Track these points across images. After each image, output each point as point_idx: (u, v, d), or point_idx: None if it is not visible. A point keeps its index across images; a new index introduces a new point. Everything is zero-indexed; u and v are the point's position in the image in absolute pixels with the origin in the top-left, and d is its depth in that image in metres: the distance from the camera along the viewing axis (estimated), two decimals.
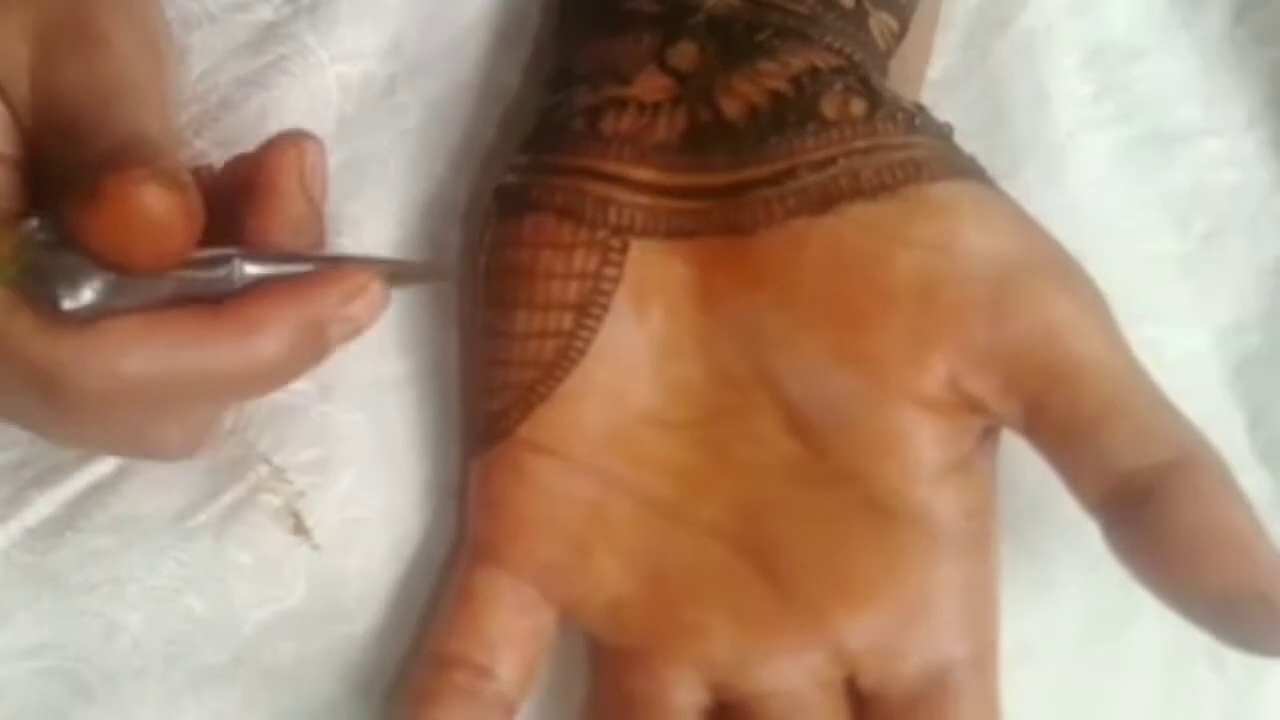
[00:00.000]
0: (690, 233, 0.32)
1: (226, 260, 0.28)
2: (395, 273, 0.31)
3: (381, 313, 0.30)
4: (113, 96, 0.28)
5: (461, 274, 0.35)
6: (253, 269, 0.28)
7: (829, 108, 0.31)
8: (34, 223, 0.26)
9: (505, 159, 0.35)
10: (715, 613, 0.32)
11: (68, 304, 0.26)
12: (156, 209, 0.25)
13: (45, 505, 0.33)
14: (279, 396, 0.33)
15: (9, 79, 0.29)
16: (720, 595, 0.32)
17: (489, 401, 0.33)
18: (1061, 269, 0.31)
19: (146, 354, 0.26)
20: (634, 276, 0.32)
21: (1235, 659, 0.35)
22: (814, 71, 0.32)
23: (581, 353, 0.32)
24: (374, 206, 0.35)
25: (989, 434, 0.31)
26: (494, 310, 0.33)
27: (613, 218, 0.32)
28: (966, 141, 0.33)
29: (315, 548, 0.33)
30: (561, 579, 0.32)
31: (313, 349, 0.29)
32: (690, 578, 0.32)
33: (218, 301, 0.28)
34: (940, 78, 0.38)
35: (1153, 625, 0.35)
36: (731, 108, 0.32)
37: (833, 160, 0.31)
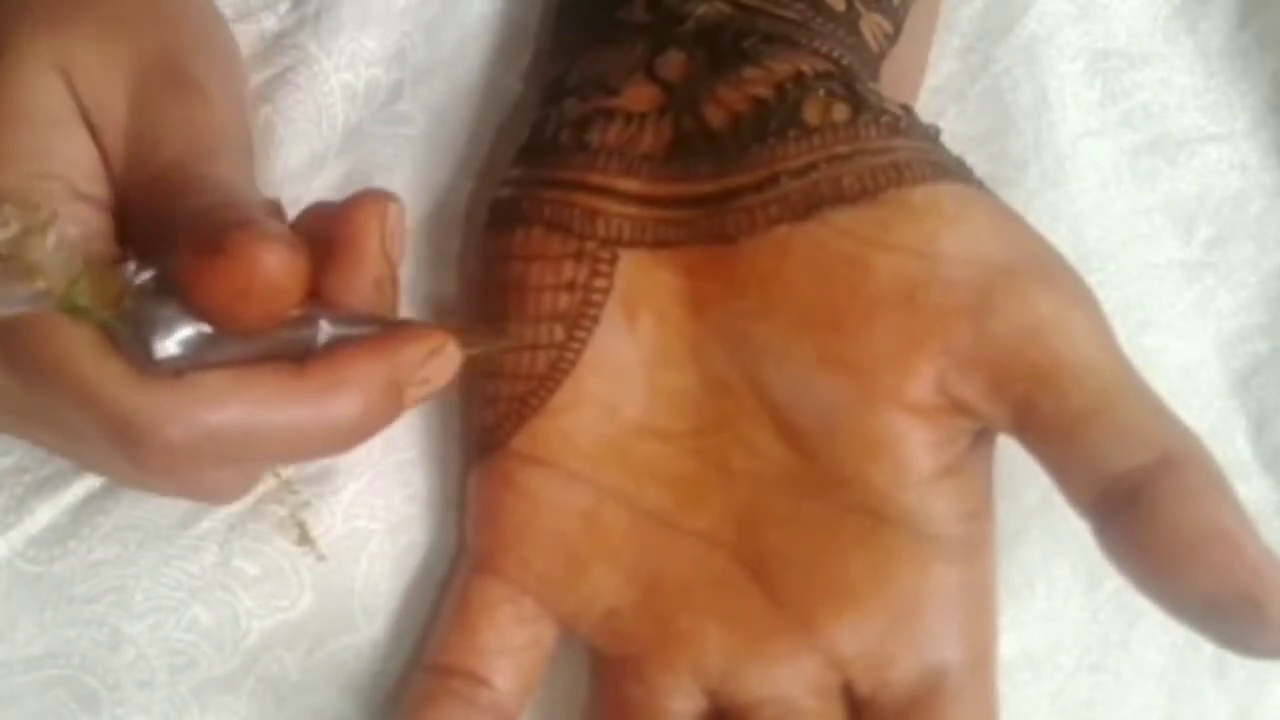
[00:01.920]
0: (677, 242, 0.32)
1: (312, 320, 0.27)
2: (462, 339, 0.31)
3: (454, 373, 0.30)
4: (211, 150, 0.28)
5: (462, 284, 0.35)
6: (335, 330, 0.28)
7: (811, 113, 0.31)
8: (131, 267, 0.26)
9: (504, 168, 0.35)
10: (709, 620, 0.32)
11: (160, 353, 0.25)
12: (278, 271, 0.25)
13: (47, 513, 0.33)
14: None
15: (106, 124, 0.28)
16: (714, 602, 0.32)
17: (484, 414, 0.33)
18: (1047, 268, 0.30)
19: (233, 410, 0.26)
20: (624, 287, 0.32)
21: (1238, 668, 0.35)
22: (798, 77, 0.32)
23: (573, 364, 0.32)
24: None
25: (982, 437, 0.31)
26: (488, 323, 0.33)
27: (601, 229, 0.32)
28: (969, 148, 0.33)
29: (321, 558, 0.33)
30: (557, 589, 0.32)
31: (391, 408, 0.29)
32: (684, 586, 0.32)
33: (300, 360, 0.27)
34: (943, 84, 0.38)
35: (1155, 634, 0.35)
36: (716, 116, 0.32)
37: (814, 166, 0.31)
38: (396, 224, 0.29)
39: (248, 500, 0.33)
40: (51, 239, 0.24)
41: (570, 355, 0.32)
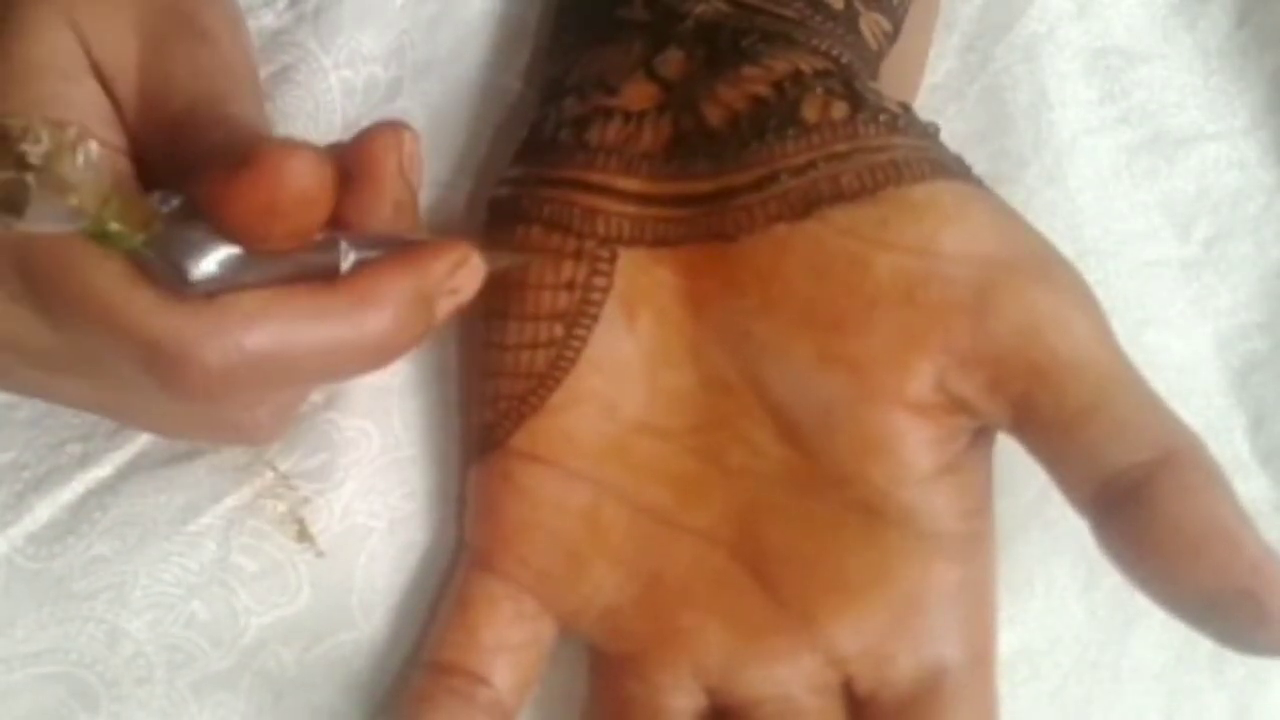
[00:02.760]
0: (677, 241, 0.32)
1: (334, 243, 0.27)
2: (485, 254, 0.30)
3: (480, 283, 0.30)
4: (226, 92, 0.28)
5: None
6: (358, 252, 0.28)
7: (810, 111, 0.31)
8: (158, 195, 0.25)
9: (503, 166, 0.35)
10: (709, 618, 0.32)
11: (193, 275, 0.25)
12: (306, 180, 0.25)
13: (46, 509, 0.33)
14: None
15: (117, 73, 0.28)
16: (714, 600, 0.32)
17: (484, 412, 0.33)
18: (1046, 266, 0.30)
19: (270, 329, 0.26)
20: (623, 286, 0.32)
21: (1237, 666, 0.35)
22: (797, 75, 0.32)
23: (572, 362, 0.32)
24: None
25: (981, 435, 0.31)
26: (487, 321, 0.33)
27: (600, 228, 0.32)
28: (969, 146, 0.33)
29: (319, 554, 0.33)
30: (556, 587, 0.32)
31: (422, 320, 0.29)
32: (684, 583, 0.32)
33: (330, 278, 0.27)
34: (942, 82, 0.38)
35: (1154, 632, 0.35)
36: (714, 114, 0.32)
37: (813, 164, 0.31)
38: (413, 150, 0.29)
39: (246, 496, 0.33)
40: (81, 157, 0.24)
41: (570, 354, 0.32)
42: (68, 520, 0.33)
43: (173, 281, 0.25)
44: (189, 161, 0.26)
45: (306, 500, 0.33)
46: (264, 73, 0.35)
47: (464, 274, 0.29)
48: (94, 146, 0.24)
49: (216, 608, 0.33)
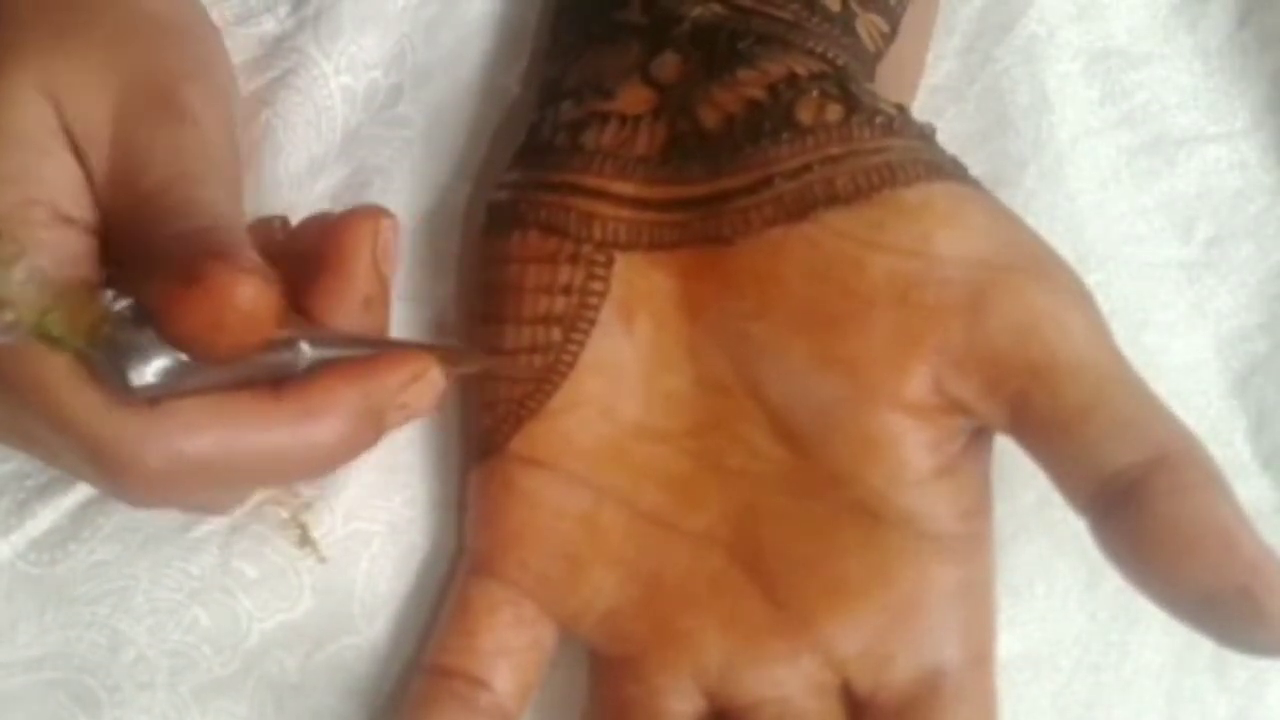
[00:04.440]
0: (673, 244, 0.32)
1: (291, 344, 0.27)
2: (448, 357, 0.31)
3: (438, 399, 0.30)
4: (197, 174, 0.28)
5: (460, 286, 0.36)
6: (315, 352, 0.28)
7: (804, 114, 0.31)
8: (109, 294, 0.26)
9: (502, 170, 0.35)
10: (708, 620, 0.32)
11: (136, 382, 0.25)
12: (251, 303, 0.25)
13: (48, 516, 0.33)
14: None
15: (90, 146, 0.29)
16: (713, 603, 0.32)
17: (482, 417, 0.33)
18: (1041, 266, 0.30)
19: (209, 437, 0.27)
20: (620, 289, 0.32)
21: (1238, 668, 0.35)
22: (792, 78, 0.32)
23: (570, 366, 0.32)
24: None
25: (979, 436, 0.31)
26: (485, 326, 0.33)
27: (597, 232, 0.32)
28: (968, 148, 0.33)
29: (321, 560, 0.34)
30: (556, 590, 0.32)
31: (370, 434, 0.29)
32: (683, 586, 0.32)
33: (278, 384, 0.28)
34: (942, 83, 0.38)
35: (1155, 634, 0.35)
36: (709, 118, 0.32)
37: (808, 167, 0.31)
38: (389, 241, 0.29)
39: (248, 502, 0.33)
40: (21, 271, 0.24)
41: (567, 358, 0.32)
42: (70, 526, 0.33)
43: (116, 385, 0.25)
44: (151, 248, 0.26)
45: (308, 506, 0.34)
46: (265, 78, 0.36)
47: (419, 388, 0.30)
48: (37, 261, 0.24)
49: (218, 613, 0.33)
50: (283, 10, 0.36)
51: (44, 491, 0.33)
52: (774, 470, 0.31)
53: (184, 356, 0.26)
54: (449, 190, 0.37)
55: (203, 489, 0.29)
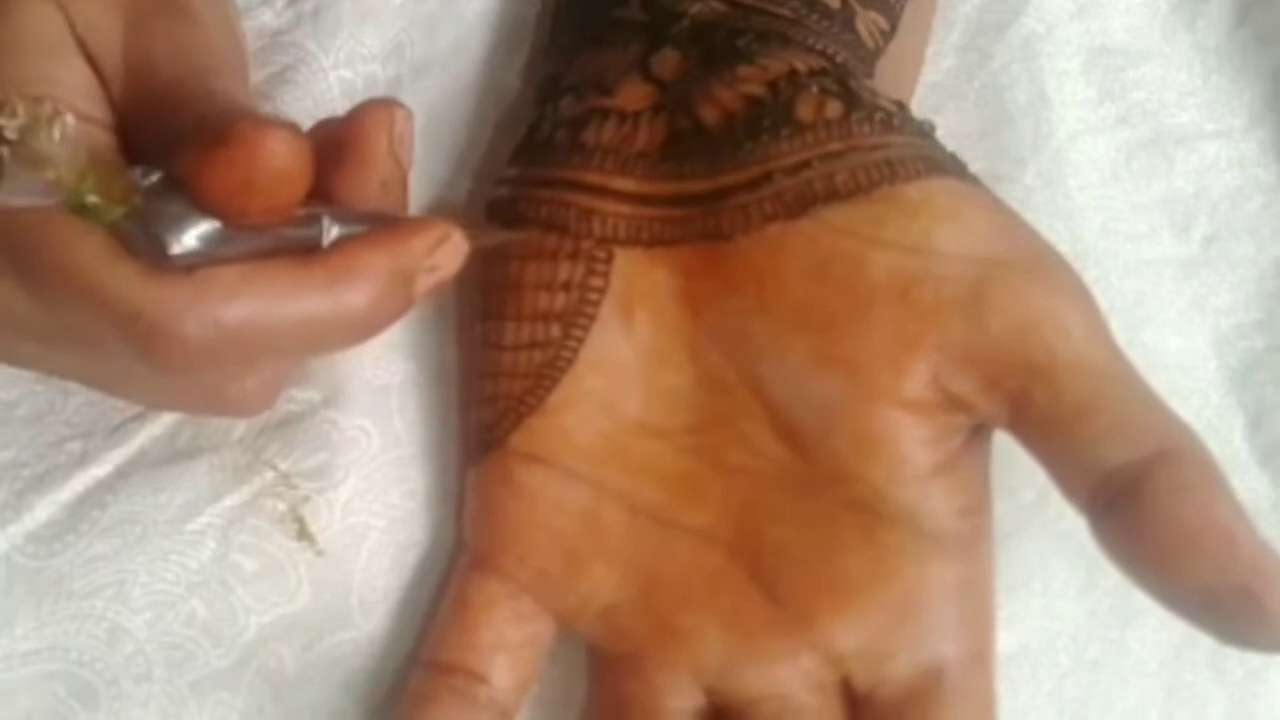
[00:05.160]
0: (673, 241, 0.32)
1: (316, 218, 0.27)
2: (470, 231, 0.31)
3: (462, 261, 0.30)
4: (207, 69, 0.29)
5: (461, 284, 0.35)
6: (341, 227, 0.28)
7: (804, 111, 0.31)
8: (138, 170, 0.26)
9: (502, 166, 0.35)
10: (707, 617, 0.32)
11: (174, 250, 0.25)
12: (283, 158, 0.25)
13: (45, 508, 0.33)
14: (284, 403, 0.34)
15: (102, 50, 0.29)
16: (712, 600, 0.32)
17: (482, 412, 0.33)
18: (1041, 263, 0.31)
19: (248, 303, 0.26)
20: (620, 286, 0.32)
21: (1236, 663, 0.35)
22: (792, 75, 0.32)
23: (570, 362, 0.32)
24: None
25: (979, 433, 0.31)
26: (485, 322, 0.33)
27: (597, 228, 0.32)
28: (967, 145, 0.33)
29: (319, 553, 0.34)
30: (555, 587, 0.32)
31: (401, 298, 0.29)
32: (682, 583, 0.32)
33: (308, 253, 0.27)
34: (941, 81, 0.38)
35: (1153, 629, 0.35)
36: (709, 114, 0.32)
37: (807, 164, 0.31)
38: (405, 129, 0.29)
39: (246, 495, 0.33)
40: (58, 131, 0.24)
41: (567, 354, 0.32)
42: (67, 519, 0.33)
43: (152, 255, 0.25)
44: (172, 136, 0.26)
45: (306, 499, 0.33)
46: (263, 73, 0.36)
47: (444, 251, 0.29)
48: (70, 120, 0.24)
49: (216, 606, 0.33)
50: (280, 4, 0.36)
51: (41, 483, 0.33)
52: (773, 467, 0.31)
53: (217, 223, 0.25)
54: (448, 186, 0.37)
55: (238, 360, 0.28)
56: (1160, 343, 0.37)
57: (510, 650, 0.32)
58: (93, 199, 0.24)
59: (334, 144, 0.29)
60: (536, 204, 0.33)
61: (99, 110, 0.28)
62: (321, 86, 0.36)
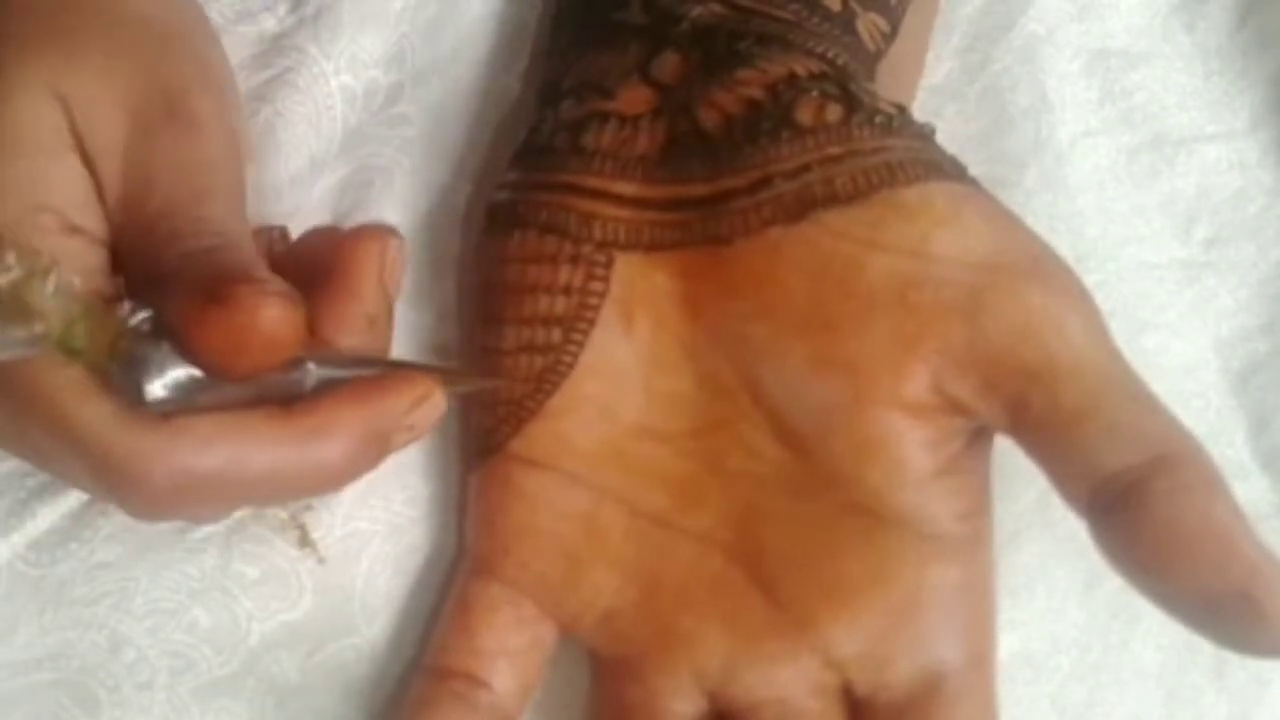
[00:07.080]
0: (673, 245, 0.32)
1: (299, 364, 0.28)
2: (450, 379, 0.31)
3: (440, 420, 0.31)
4: (206, 189, 0.28)
5: (460, 286, 0.35)
6: (322, 372, 0.28)
7: (804, 114, 0.31)
8: (128, 306, 0.26)
9: (502, 169, 0.35)
10: (708, 621, 0.32)
11: (151, 396, 0.25)
12: (275, 326, 0.25)
13: (48, 516, 0.33)
14: None
15: (101, 152, 0.28)
16: (713, 604, 0.32)
17: (482, 417, 0.33)
18: (1041, 266, 0.30)
19: (218, 454, 0.27)
20: (620, 290, 0.32)
21: (1237, 670, 0.35)
22: (791, 78, 0.32)
23: (570, 367, 0.32)
24: (377, 217, 0.35)
25: (979, 436, 0.31)
26: (485, 326, 0.33)
27: (597, 232, 0.32)
28: (968, 148, 0.33)
29: (321, 560, 0.34)
30: (556, 591, 0.32)
31: (374, 455, 0.30)
32: (683, 587, 0.32)
33: (287, 404, 0.28)
34: (941, 83, 0.38)
35: (1155, 635, 0.35)
36: (709, 118, 0.32)
37: (807, 168, 0.31)
38: (396, 260, 0.30)
39: (240, 509, 0.33)
40: (51, 283, 0.24)
41: (567, 358, 0.32)
42: (69, 527, 0.33)
43: (130, 395, 0.25)
44: (165, 264, 0.26)
45: (307, 506, 0.34)
46: (264, 76, 0.35)
47: (423, 411, 0.30)
48: (65, 276, 0.24)
49: (218, 614, 0.33)
50: (282, 9, 0.36)
51: (43, 492, 0.33)
52: (773, 471, 0.31)
53: (198, 372, 0.26)
54: (449, 190, 0.37)
55: (205, 504, 0.29)
56: (1161, 346, 0.37)
57: (512, 655, 0.32)
58: (79, 344, 0.25)
59: (324, 269, 0.29)
60: (536, 208, 0.33)
61: (92, 220, 0.28)
62: (323, 91, 0.36)
